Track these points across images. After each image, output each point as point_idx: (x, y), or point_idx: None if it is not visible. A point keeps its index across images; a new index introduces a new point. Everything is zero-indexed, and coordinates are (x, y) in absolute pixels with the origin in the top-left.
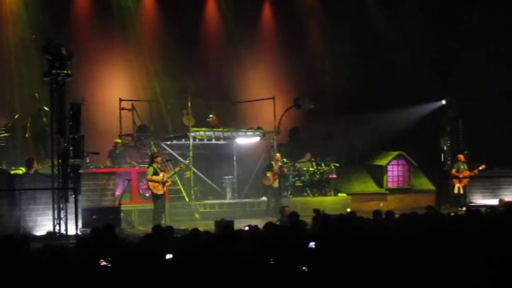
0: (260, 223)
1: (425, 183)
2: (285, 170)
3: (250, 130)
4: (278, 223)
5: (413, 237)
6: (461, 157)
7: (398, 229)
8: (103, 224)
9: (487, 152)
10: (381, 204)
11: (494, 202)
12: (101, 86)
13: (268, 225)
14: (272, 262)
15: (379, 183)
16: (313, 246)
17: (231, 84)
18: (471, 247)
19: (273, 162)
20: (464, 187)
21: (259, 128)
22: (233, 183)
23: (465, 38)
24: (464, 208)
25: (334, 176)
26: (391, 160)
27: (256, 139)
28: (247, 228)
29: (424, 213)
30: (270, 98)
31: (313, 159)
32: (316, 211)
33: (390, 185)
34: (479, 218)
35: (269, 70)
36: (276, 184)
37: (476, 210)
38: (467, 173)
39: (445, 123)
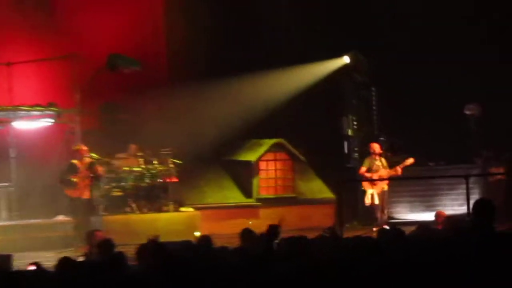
0: (56, 257)
1: (320, 189)
2: (100, 170)
3: (36, 108)
4: (82, 257)
5: (296, 275)
6: (375, 146)
7: (276, 261)
8: None
9: (415, 139)
10: (250, 223)
11: (428, 217)
12: None
13: (64, 262)
14: None
15: (247, 190)
16: None
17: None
18: None
19: (75, 161)
20: (382, 195)
21: (51, 105)
22: (9, 193)
23: None
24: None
25: (175, 180)
26: (264, 153)
27: (47, 122)
28: (32, 268)
29: (318, 237)
30: (67, 56)
31: (140, 154)
32: (151, 241)
33: (263, 193)
34: (403, 242)
35: (68, 17)
36: (86, 196)
37: (397, 231)
38: (385, 172)
39: (348, 94)
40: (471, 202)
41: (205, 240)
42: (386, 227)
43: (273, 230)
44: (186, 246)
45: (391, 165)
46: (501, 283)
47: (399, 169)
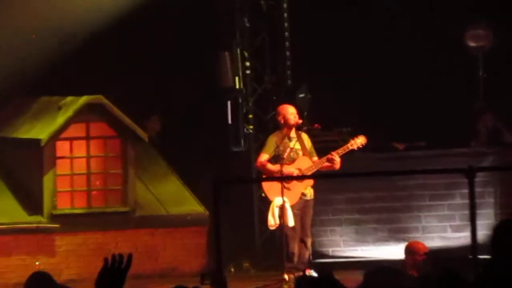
0: None
1: (179, 197)
2: None
3: None
4: None
5: None
6: (289, 112)
7: None
8: None
9: (368, 97)
10: (37, 263)
11: (394, 253)
12: None
13: None
14: None
15: (32, 200)
16: None
17: None
18: None
19: None
20: (301, 208)
21: None
22: None
23: None
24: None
25: None
26: (66, 125)
27: None
28: None
29: None
30: None
31: None
32: None
33: (64, 205)
34: None
35: None
36: None
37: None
38: (308, 162)
39: (235, 8)
40: (481, 222)
41: None
42: (311, 272)
43: (117, 268)
44: None
45: (321, 149)
46: None
47: (336, 158)
